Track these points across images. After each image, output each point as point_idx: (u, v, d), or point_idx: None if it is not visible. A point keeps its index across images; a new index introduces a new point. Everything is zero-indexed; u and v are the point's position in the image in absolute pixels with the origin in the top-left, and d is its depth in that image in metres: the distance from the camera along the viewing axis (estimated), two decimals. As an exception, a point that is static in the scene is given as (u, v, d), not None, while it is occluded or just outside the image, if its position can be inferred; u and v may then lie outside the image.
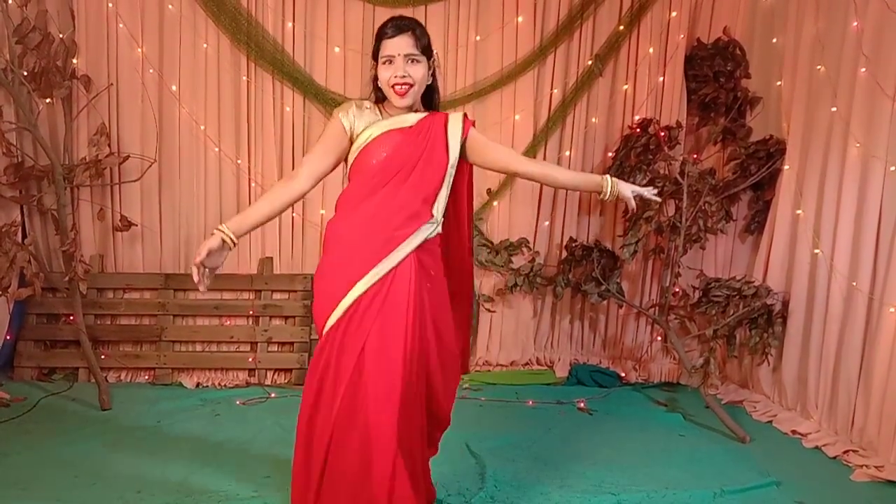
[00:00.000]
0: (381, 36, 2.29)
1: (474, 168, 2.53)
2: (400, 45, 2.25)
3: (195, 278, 2.21)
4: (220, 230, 2.20)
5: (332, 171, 2.39)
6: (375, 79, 2.35)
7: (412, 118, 2.34)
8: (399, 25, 2.27)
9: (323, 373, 2.25)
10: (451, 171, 2.37)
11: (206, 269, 2.22)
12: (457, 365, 2.54)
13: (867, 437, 3.37)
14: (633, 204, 2.46)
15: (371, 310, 2.22)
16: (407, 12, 4.18)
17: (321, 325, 2.29)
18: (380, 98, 2.40)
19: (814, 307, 3.73)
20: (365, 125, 2.32)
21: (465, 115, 2.43)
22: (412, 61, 2.26)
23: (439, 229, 2.38)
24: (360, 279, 2.22)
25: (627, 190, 2.44)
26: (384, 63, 2.27)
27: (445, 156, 2.34)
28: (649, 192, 2.49)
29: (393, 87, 2.27)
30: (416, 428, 2.31)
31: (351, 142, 2.33)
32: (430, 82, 2.36)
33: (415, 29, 2.29)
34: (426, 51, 2.30)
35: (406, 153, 2.29)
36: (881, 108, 3.32)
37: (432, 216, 2.34)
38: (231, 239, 2.21)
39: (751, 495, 3.01)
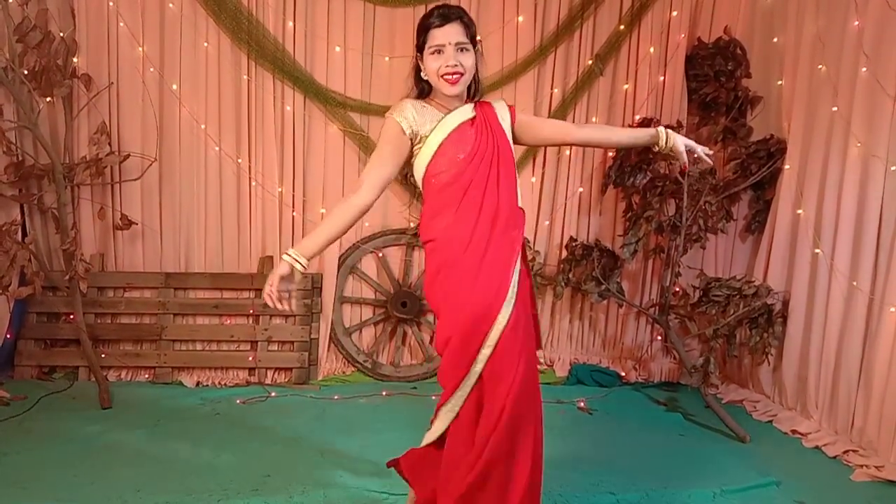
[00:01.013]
0: (427, 26, 2.21)
1: None
2: (449, 33, 2.18)
3: (274, 305, 2.18)
4: (288, 256, 2.15)
5: (395, 177, 2.29)
6: (417, 71, 2.29)
7: (469, 108, 2.27)
8: (446, 14, 2.19)
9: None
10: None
11: (287, 293, 2.19)
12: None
13: (867, 437, 3.37)
14: (684, 158, 2.38)
15: (517, 334, 2.13)
16: (407, 11, 4.23)
17: (463, 366, 2.15)
18: (423, 92, 2.32)
19: (814, 307, 3.73)
20: (431, 124, 2.23)
21: (504, 102, 2.40)
22: (462, 50, 2.20)
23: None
24: (504, 298, 2.13)
25: (681, 144, 2.37)
26: (432, 53, 2.19)
27: (511, 147, 2.31)
28: (703, 150, 2.42)
29: (443, 76, 2.19)
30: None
31: (412, 143, 2.24)
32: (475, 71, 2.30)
33: (463, 17, 2.22)
34: (473, 39, 2.24)
35: (483, 150, 2.21)
36: (882, 108, 3.32)
37: (523, 212, 2.31)
38: (302, 264, 2.16)
39: (751, 495, 3.01)
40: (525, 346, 2.17)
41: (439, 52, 2.19)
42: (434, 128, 2.23)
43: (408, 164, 2.31)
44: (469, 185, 2.20)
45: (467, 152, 2.21)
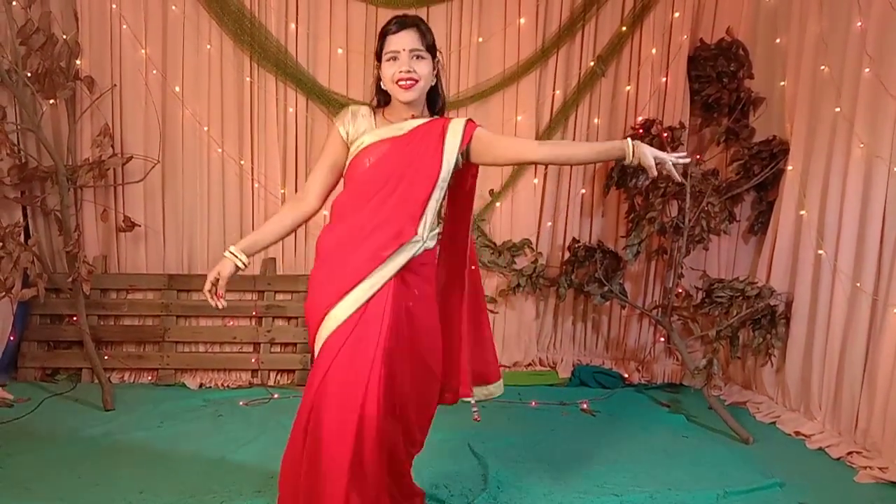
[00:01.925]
0: (384, 33, 2.22)
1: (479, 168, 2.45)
2: (405, 40, 2.19)
3: (211, 303, 2.27)
4: (231, 254, 2.23)
5: (337, 183, 2.35)
6: (378, 80, 2.29)
7: (407, 126, 2.24)
8: (403, 22, 2.21)
9: (306, 390, 2.24)
10: (441, 185, 2.26)
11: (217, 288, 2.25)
12: (434, 392, 2.42)
13: (871, 439, 3.36)
14: (654, 172, 2.17)
15: (340, 337, 2.16)
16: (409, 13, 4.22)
17: (311, 340, 2.29)
18: (381, 102, 2.34)
19: (817, 308, 3.72)
20: (360, 132, 2.26)
21: (468, 122, 2.28)
22: (417, 57, 2.19)
23: (428, 245, 2.27)
24: (339, 300, 2.17)
25: (650, 156, 2.13)
26: (388, 60, 2.20)
27: (437, 168, 2.23)
28: (676, 157, 2.19)
29: (397, 82, 2.19)
30: (375, 461, 2.18)
31: (347, 148, 2.28)
32: (433, 83, 2.29)
33: (419, 24, 2.23)
34: (431, 49, 2.24)
35: (392, 164, 2.21)
36: (885, 109, 3.32)
37: (416, 234, 2.21)
38: (243, 262, 2.24)
39: (754, 496, 3.00)
40: (356, 348, 2.16)
41: (395, 58, 2.20)
42: (359, 136, 2.26)
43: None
44: (359, 193, 2.24)
45: (373, 162, 2.23)
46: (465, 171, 2.35)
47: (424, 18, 4.22)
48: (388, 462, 2.27)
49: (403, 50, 2.19)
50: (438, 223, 2.35)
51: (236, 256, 2.23)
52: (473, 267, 2.52)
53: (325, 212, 2.37)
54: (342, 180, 2.34)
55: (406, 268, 2.22)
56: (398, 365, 2.22)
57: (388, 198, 2.21)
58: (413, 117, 2.27)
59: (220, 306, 2.26)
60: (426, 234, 2.25)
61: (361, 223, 2.21)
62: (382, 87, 2.28)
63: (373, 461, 2.16)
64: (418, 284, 2.28)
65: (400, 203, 2.21)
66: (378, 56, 2.26)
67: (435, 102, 2.35)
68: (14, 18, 3.62)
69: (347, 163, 2.28)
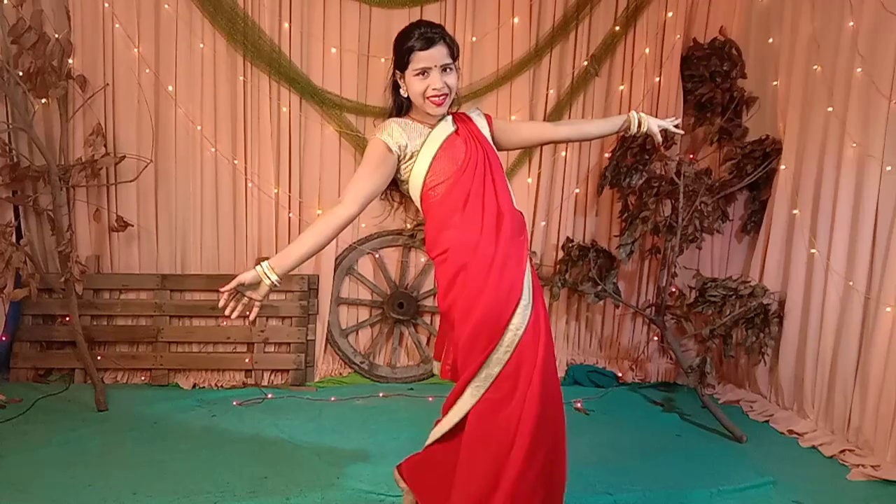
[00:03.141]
0: (410, 49, 2.17)
1: None
2: (435, 56, 2.16)
3: (227, 311, 2.13)
4: (261, 270, 2.11)
5: (378, 193, 2.27)
6: (395, 87, 2.28)
7: (450, 121, 2.30)
8: (430, 37, 2.17)
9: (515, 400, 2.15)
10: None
11: (245, 298, 2.14)
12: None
13: (863, 437, 3.38)
14: (659, 139, 2.57)
15: (532, 345, 2.14)
16: (402, 13, 4.23)
17: (470, 369, 2.15)
18: (401, 108, 2.33)
19: (810, 307, 3.74)
20: (420, 139, 2.24)
21: (480, 110, 2.45)
22: (446, 70, 2.20)
23: None
24: (516, 303, 2.13)
25: (654, 125, 2.53)
26: (417, 75, 2.18)
27: (495, 154, 2.34)
28: (671, 123, 2.59)
29: (429, 98, 2.19)
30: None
31: (399, 161, 2.24)
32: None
33: (445, 37, 2.20)
34: (455, 57, 2.24)
35: (476, 154, 2.24)
36: (877, 108, 3.33)
37: (521, 213, 2.32)
38: (273, 281, 2.11)
39: (747, 495, 3.02)
40: (545, 353, 2.15)
41: (424, 73, 2.19)
42: (424, 142, 2.24)
43: (399, 181, 2.32)
44: (469, 194, 2.20)
45: (460, 163, 2.22)
46: None
47: (418, 17, 4.26)
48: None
49: (435, 66, 2.18)
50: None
51: (266, 275, 2.12)
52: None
53: (319, 210, 2.35)
54: (422, 191, 2.26)
55: None
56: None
57: (494, 191, 2.24)
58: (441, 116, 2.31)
59: (233, 316, 2.15)
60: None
61: (488, 221, 2.18)
62: (403, 94, 2.26)
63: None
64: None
65: (503, 193, 2.26)
66: (399, 66, 2.23)
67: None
68: (5, 17, 3.60)
69: (421, 175, 2.23)
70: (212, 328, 4.31)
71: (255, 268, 2.13)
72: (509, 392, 2.12)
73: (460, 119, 2.35)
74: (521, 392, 2.11)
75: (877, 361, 3.32)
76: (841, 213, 3.55)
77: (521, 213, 2.31)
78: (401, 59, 2.22)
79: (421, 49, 2.17)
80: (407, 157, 2.24)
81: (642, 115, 2.48)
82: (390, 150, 2.21)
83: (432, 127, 2.27)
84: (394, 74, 2.28)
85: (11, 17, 3.66)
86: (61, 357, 4.18)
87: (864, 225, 3.43)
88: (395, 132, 2.23)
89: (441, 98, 2.20)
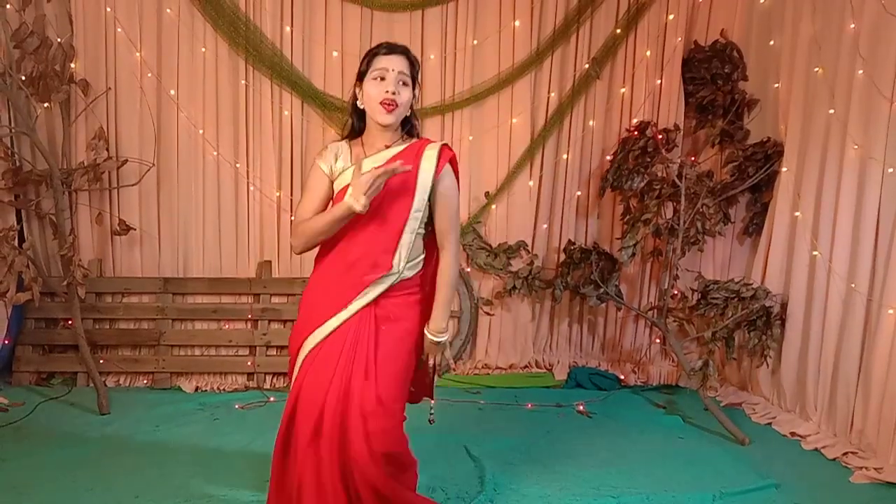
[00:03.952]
0: (373, 53, 2.26)
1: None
2: (394, 62, 2.22)
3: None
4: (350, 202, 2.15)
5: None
6: (354, 102, 2.32)
7: (381, 158, 2.25)
8: (394, 47, 2.26)
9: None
10: (416, 216, 2.26)
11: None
12: (384, 418, 2.27)
13: (866, 439, 3.37)
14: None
15: (313, 361, 2.28)
16: (404, 17, 4.25)
17: (290, 366, 2.39)
18: (356, 129, 2.36)
19: (812, 309, 3.73)
20: (340, 168, 2.31)
21: (443, 147, 2.29)
22: (403, 83, 2.23)
23: (406, 275, 2.28)
24: (316, 329, 2.27)
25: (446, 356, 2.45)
26: (375, 78, 2.22)
27: (411, 198, 2.24)
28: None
29: (382, 102, 2.20)
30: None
31: (332, 181, 2.32)
32: (408, 114, 2.32)
33: (408, 54, 2.27)
34: (414, 79, 2.28)
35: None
36: (878, 110, 3.33)
37: (391, 267, 2.24)
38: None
39: (750, 497, 3.01)
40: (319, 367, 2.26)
41: (382, 77, 2.22)
42: (342, 171, 2.30)
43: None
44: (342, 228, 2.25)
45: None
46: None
47: (420, 21, 4.29)
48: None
49: (392, 70, 2.22)
50: (423, 251, 2.35)
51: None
52: None
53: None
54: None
55: (384, 296, 2.27)
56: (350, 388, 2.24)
57: (363, 231, 2.24)
58: (386, 147, 2.28)
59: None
60: (402, 266, 2.27)
61: (342, 256, 2.27)
62: (359, 105, 2.29)
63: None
64: (394, 308, 2.29)
65: (375, 236, 2.24)
66: (360, 76, 2.28)
67: (410, 129, 2.37)
68: (8, 21, 3.61)
69: (334, 195, 2.32)
70: (214, 331, 4.31)
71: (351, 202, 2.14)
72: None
73: (408, 150, 2.27)
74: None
75: (879, 363, 3.31)
76: (843, 215, 3.55)
77: (388, 265, 2.25)
78: (363, 66, 2.28)
79: (383, 54, 2.24)
80: (335, 177, 2.31)
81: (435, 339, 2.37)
82: (325, 173, 2.33)
83: (365, 157, 2.25)
84: (354, 87, 2.31)
85: (14, 22, 3.67)
86: (64, 360, 4.18)
87: (866, 227, 3.42)
88: (329, 156, 2.33)
89: (391, 106, 2.21)
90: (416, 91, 2.32)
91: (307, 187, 2.37)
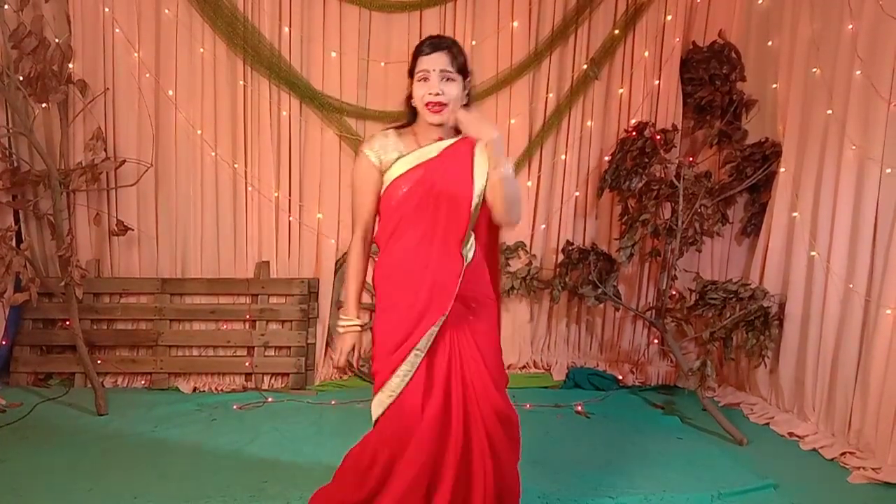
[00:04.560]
0: (417, 53, 2.25)
1: None
2: (436, 61, 2.21)
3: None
4: (342, 327, 2.34)
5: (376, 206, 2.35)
6: (409, 98, 2.31)
7: (437, 148, 2.25)
8: (436, 43, 2.24)
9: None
10: (478, 202, 2.23)
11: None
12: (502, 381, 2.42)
13: (864, 439, 3.37)
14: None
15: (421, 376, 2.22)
16: (402, 17, 4.24)
17: (380, 380, 2.25)
18: (411, 120, 2.35)
19: (810, 309, 3.74)
20: (392, 159, 2.27)
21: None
22: (447, 79, 2.21)
23: (468, 257, 2.27)
24: (421, 335, 2.21)
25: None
26: (419, 80, 2.23)
27: (470, 188, 2.22)
28: None
29: (427, 105, 2.21)
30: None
31: (381, 172, 2.29)
32: (465, 102, 2.29)
33: (451, 47, 2.25)
34: (462, 70, 2.26)
35: (428, 189, 2.22)
36: (876, 111, 3.34)
37: (462, 258, 2.25)
38: (357, 325, 2.34)
39: (748, 498, 3.01)
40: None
41: (425, 78, 2.22)
42: (394, 161, 2.27)
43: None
44: (402, 222, 2.25)
45: (408, 189, 2.25)
46: None
47: (418, 21, 4.28)
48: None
49: (433, 70, 2.21)
50: (470, 235, 2.33)
51: (350, 325, 2.34)
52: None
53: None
54: (382, 197, 2.33)
55: (461, 288, 2.25)
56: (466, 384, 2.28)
57: (436, 224, 2.23)
58: (440, 139, 2.28)
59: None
60: (468, 252, 2.28)
61: (417, 254, 2.23)
62: (413, 103, 2.29)
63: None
64: (473, 295, 2.30)
65: (448, 226, 2.23)
66: (411, 73, 2.28)
67: None
68: (6, 22, 3.60)
69: (384, 188, 2.29)
70: (212, 332, 4.31)
71: (340, 331, 2.36)
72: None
73: (460, 144, 2.26)
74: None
75: (877, 364, 3.31)
76: (841, 215, 3.55)
77: (459, 256, 2.25)
78: (411, 65, 2.28)
79: (425, 54, 2.23)
80: (385, 167, 2.29)
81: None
82: (373, 163, 2.28)
83: (418, 147, 2.27)
84: (409, 84, 2.30)
85: (12, 22, 3.67)
86: (61, 361, 4.18)
87: (864, 227, 3.43)
88: (377, 144, 2.30)
89: (437, 108, 2.20)
90: (468, 83, 2.30)
91: (357, 184, 2.34)
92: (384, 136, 2.32)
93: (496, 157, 2.17)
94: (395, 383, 2.20)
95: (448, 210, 2.23)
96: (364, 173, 2.30)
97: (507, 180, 2.17)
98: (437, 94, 2.20)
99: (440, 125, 2.26)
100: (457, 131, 2.30)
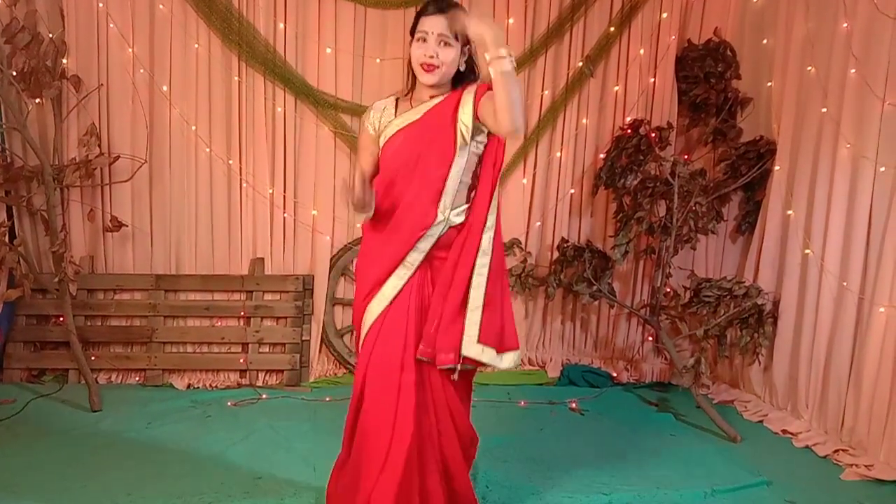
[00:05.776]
0: (420, 12, 2.27)
1: None
2: (435, 24, 2.22)
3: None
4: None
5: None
6: (410, 60, 2.32)
7: (424, 108, 2.30)
8: (440, 5, 2.23)
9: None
10: (460, 162, 2.26)
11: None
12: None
13: (857, 437, 3.39)
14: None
15: (373, 333, 2.32)
16: (398, 14, 4.22)
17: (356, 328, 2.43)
18: (413, 83, 2.37)
19: (804, 307, 3.75)
20: (385, 123, 2.36)
21: (481, 85, 2.25)
22: (444, 43, 2.23)
23: (454, 222, 2.30)
24: (377, 291, 2.31)
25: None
26: (418, 40, 2.25)
27: (451, 146, 2.25)
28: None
29: (421, 65, 2.24)
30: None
31: (377, 137, 2.38)
32: (462, 69, 2.30)
33: (453, 11, 2.24)
34: (460, 36, 2.25)
35: (408, 148, 2.29)
36: (871, 109, 3.34)
37: (437, 216, 2.28)
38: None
39: (741, 495, 3.02)
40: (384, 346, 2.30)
41: (423, 39, 2.24)
42: (385, 127, 2.35)
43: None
44: (385, 181, 2.33)
45: (393, 150, 2.33)
46: (492, 142, 2.32)
47: (412, 18, 4.25)
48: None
49: (432, 33, 2.22)
50: (468, 199, 2.35)
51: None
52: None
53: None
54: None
55: (435, 247, 2.30)
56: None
57: (410, 182, 2.28)
58: (432, 98, 2.31)
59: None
60: (449, 214, 2.30)
61: (390, 211, 2.30)
62: (412, 64, 2.32)
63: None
64: (446, 255, 2.34)
65: (421, 186, 2.27)
66: (412, 32, 2.30)
67: (465, 81, 2.34)
68: (-1, 17, 3.59)
69: (379, 150, 2.40)
70: (206, 328, 4.30)
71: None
72: None
73: (445, 101, 2.28)
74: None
75: (870, 361, 3.33)
76: (835, 213, 3.56)
77: (433, 214, 2.27)
78: (413, 24, 2.30)
79: (426, 15, 2.25)
80: (380, 134, 2.37)
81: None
82: (371, 130, 2.40)
83: (410, 108, 2.33)
84: (410, 44, 2.32)
85: (5, 17, 3.65)
86: (55, 357, 4.17)
87: (858, 225, 3.44)
88: (373, 113, 2.40)
89: (430, 67, 2.23)
90: (467, 50, 2.30)
91: (359, 147, 2.50)
92: (381, 104, 2.41)
93: (494, 50, 2.00)
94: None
95: (423, 169, 2.27)
96: (363, 139, 2.45)
97: (505, 75, 2.00)
98: (432, 57, 2.22)
99: (433, 86, 2.29)
100: (453, 89, 2.32)
